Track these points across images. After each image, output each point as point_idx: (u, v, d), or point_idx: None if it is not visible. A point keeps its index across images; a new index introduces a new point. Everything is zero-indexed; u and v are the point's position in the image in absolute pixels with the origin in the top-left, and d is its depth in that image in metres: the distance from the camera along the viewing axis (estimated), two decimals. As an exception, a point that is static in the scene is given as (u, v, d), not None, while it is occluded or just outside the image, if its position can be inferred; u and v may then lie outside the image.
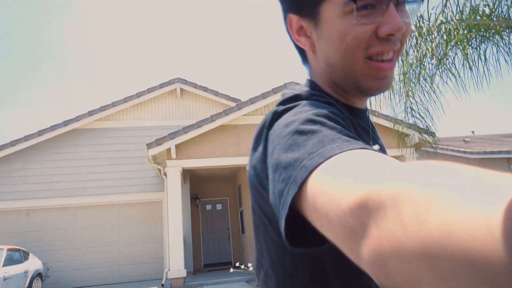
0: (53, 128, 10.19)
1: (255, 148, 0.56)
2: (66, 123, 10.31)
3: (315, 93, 0.58)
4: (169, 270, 7.68)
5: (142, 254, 10.05)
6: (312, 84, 0.64)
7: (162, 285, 8.01)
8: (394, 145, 8.90)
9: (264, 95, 8.97)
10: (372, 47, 0.54)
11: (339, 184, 0.32)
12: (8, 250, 7.48)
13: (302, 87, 0.63)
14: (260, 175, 0.53)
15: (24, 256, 7.91)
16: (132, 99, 11.02)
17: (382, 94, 4.66)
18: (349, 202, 0.30)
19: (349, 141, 0.40)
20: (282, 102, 0.58)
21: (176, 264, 7.64)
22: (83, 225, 10.02)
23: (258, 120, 9.01)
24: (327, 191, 0.33)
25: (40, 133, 10.09)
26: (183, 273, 7.62)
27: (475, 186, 0.22)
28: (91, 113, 10.55)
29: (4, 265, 6.97)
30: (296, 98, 0.57)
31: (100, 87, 42.46)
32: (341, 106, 0.59)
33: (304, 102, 0.54)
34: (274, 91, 9.07)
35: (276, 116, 0.54)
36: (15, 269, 7.20)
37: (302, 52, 0.66)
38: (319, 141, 0.41)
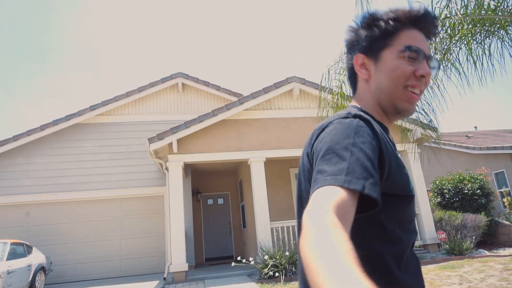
0: (55, 122, 10.21)
1: (311, 141, 0.84)
2: (68, 117, 10.32)
3: (362, 112, 0.84)
4: (171, 264, 7.72)
5: (144, 248, 10.11)
6: (357, 107, 0.93)
7: (164, 278, 8.06)
8: (397, 140, 8.89)
9: (265, 90, 8.94)
10: (409, 80, 0.87)
11: (311, 207, 0.63)
12: (12, 244, 7.53)
13: (351, 108, 0.89)
14: (311, 161, 0.81)
15: (28, 250, 7.97)
16: (134, 93, 11.01)
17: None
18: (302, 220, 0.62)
19: (358, 178, 0.67)
20: (338, 115, 0.83)
21: (178, 258, 7.68)
22: (85, 219, 10.07)
23: (260, 115, 9.02)
24: (308, 206, 0.65)
25: (43, 127, 10.11)
26: (185, 267, 7.66)
27: (330, 254, 0.50)
28: (93, 107, 10.55)
29: (7, 259, 7.03)
30: (347, 114, 0.81)
31: (104, 81, 42.37)
32: (377, 122, 0.87)
33: (350, 120, 0.79)
34: (276, 85, 9.05)
35: (330, 124, 0.80)
36: (19, 263, 7.26)
37: (353, 83, 0.98)
38: (342, 169, 0.69)
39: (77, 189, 10.07)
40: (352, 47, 0.94)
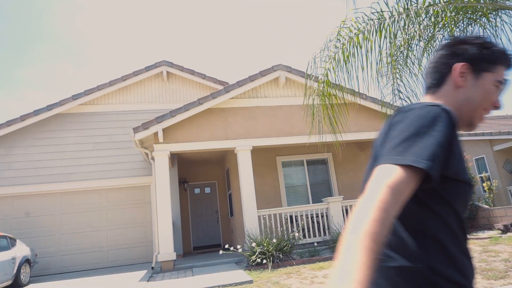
0: (36, 112, 9.95)
1: (391, 121, 0.95)
2: (49, 107, 10.07)
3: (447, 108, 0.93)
4: (158, 253, 7.73)
5: (132, 238, 10.07)
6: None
7: (152, 268, 8.07)
8: (381, 127, 8.98)
9: (251, 78, 8.89)
10: (489, 105, 1.05)
11: (371, 183, 0.79)
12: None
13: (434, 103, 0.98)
14: (387, 137, 0.94)
15: (11, 242, 7.83)
16: (117, 82, 10.80)
17: (369, 75, 4.58)
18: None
19: (423, 159, 0.79)
20: (421, 103, 0.94)
21: (165, 247, 7.69)
22: (71, 210, 9.94)
23: (246, 103, 8.99)
24: (370, 180, 0.81)
25: (23, 118, 9.84)
26: (173, 256, 7.68)
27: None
28: (75, 97, 10.31)
29: (-10, 252, 6.91)
30: (431, 103, 0.92)
31: (90, 72, 41.36)
32: None
33: (432, 108, 0.90)
34: (262, 73, 9.00)
35: (413, 110, 0.91)
36: (3, 256, 7.14)
37: (438, 82, 1.08)
38: (410, 150, 0.81)
39: (61, 180, 9.90)
40: (457, 55, 1.06)
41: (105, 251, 9.88)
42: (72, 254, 9.67)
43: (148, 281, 6.67)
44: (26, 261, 7.98)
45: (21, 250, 7.94)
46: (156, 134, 8.19)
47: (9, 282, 7.25)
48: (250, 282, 5.66)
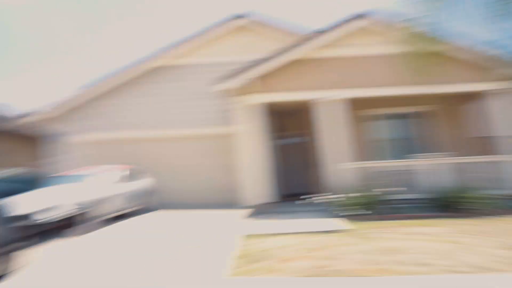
0: (134, 64, 11.36)
1: None
2: (143, 60, 11.36)
3: None
4: (247, 198, 8.42)
5: (223, 183, 10.97)
6: None
7: (242, 208, 8.65)
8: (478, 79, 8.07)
9: (342, 25, 8.61)
10: None
11: None
12: (129, 169, 9.27)
13: None
14: None
15: (140, 175, 9.64)
16: (202, 35, 11.47)
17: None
18: None
19: None
20: None
21: (255, 192, 8.31)
22: (174, 154, 11.22)
23: (337, 53, 8.70)
24: None
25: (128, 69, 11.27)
26: (263, 200, 8.24)
27: None
28: (165, 50, 11.41)
29: (128, 181, 8.82)
30: None
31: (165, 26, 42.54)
32: None
33: None
34: (348, 21, 8.58)
35: None
36: (133, 186, 8.93)
37: None
38: None
39: (158, 127, 11.23)
40: None
41: (196, 193, 10.94)
42: (179, 190, 10.95)
43: (254, 218, 7.27)
44: (151, 191, 9.74)
45: (146, 182, 9.71)
46: (247, 83, 8.47)
47: (138, 208, 8.92)
48: (348, 231, 5.89)
